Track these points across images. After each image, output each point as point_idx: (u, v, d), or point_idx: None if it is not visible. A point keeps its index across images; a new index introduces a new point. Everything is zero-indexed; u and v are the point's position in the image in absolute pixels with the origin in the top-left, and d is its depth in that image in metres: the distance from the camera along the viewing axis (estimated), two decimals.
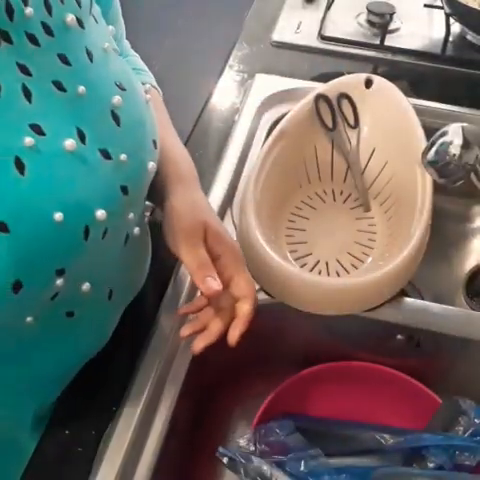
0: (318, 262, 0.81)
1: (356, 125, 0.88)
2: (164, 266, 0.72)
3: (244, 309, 0.59)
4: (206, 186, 0.80)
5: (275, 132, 0.84)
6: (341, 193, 0.90)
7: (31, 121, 0.44)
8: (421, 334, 0.70)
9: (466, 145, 0.60)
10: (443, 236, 0.98)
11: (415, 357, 0.71)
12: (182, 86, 0.92)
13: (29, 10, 0.45)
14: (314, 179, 0.90)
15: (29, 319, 0.48)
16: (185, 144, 0.86)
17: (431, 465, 0.63)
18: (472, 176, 0.62)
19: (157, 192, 0.62)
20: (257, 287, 0.71)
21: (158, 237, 0.63)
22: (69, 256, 0.47)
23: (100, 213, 0.48)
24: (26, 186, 0.43)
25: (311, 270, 0.80)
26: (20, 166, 0.42)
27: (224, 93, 0.96)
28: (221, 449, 0.64)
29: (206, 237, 0.59)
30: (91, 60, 0.50)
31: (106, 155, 0.49)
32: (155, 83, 0.73)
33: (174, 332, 0.66)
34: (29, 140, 0.43)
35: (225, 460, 0.63)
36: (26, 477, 0.57)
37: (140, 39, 0.86)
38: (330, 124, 0.87)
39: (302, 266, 0.80)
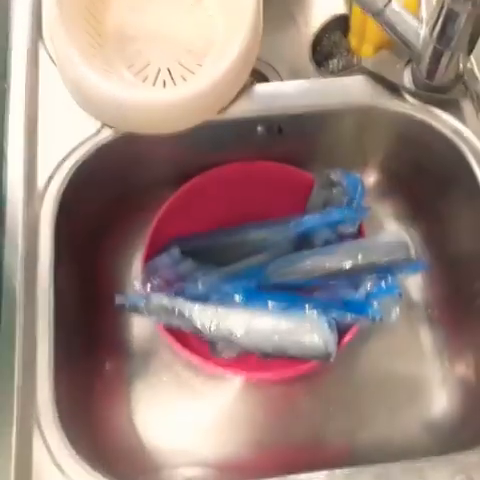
0: (159, 71, 0.74)
1: None
2: None
3: None
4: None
5: None
6: None
7: None
8: (279, 120, 0.67)
9: None
10: None
11: (281, 143, 0.69)
12: None
13: None
14: None
15: None
16: None
17: (318, 243, 0.65)
18: None
19: None
20: (98, 126, 0.65)
21: None
22: None
23: None
24: None
25: (154, 82, 0.73)
26: None
27: None
28: (118, 297, 0.63)
29: None
30: None
31: None
32: None
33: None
34: None
35: (125, 306, 0.63)
36: None
37: None
38: None
39: (144, 80, 0.73)
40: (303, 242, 0.66)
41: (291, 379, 0.65)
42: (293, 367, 0.59)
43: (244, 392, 0.67)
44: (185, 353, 0.59)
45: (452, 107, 0.65)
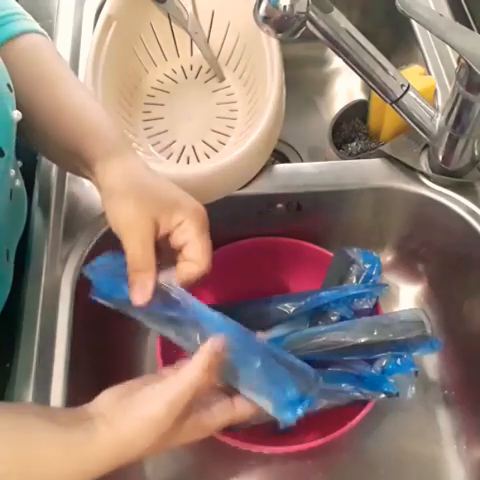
0: (184, 148, 0.77)
1: None
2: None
3: (187, 270, 0.50)
4: None
5: (101, 19, 0.76)
6: (191, 68, 0.85)
7: None
8: (298, 197, 0.69)
9: None
10: (306, 83, 0.97)
11: (299, 220, 0.71)
12: None
13: None
14: (159, 60, 0.84)
15: None
16: None
17: (334, 318, 0.65)
18: (308, 24, 0.58)
19: (74, 167, 0.54)
20: None
21: None
22: None
23: None
24: None
25: (179, 158, 0.76)
26: None
27: None
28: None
29: (161, 214, 0.49)
30: None
31: None
32: (37, 27, 0.58)
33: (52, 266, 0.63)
34: None
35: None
36: None
37: None
38: None
39: (169, 157, 0.76)
40: (319, 317, 0.66)
41: (305, 454, 0.63)
42: (306, 442, 0.58)
43: (256, 466, 0.65)
44: None
45: (468, 190, 0.67)
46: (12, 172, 0.54)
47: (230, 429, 0.60)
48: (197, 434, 0.47)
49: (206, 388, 0.46)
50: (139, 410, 0.44)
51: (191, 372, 0.45)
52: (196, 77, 0.84)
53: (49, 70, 0.56)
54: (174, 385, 0.45)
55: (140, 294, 0.48)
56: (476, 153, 0.65)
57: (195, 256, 0.50)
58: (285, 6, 0.56)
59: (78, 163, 0.53)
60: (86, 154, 0.52)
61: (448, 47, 0.76)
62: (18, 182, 0.58)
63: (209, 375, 0.45)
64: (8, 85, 0.51)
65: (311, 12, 0.57)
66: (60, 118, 0.54)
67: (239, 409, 0.48)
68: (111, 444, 0.44)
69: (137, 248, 0.48)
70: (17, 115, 0.51)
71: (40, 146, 0.59)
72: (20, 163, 0.61)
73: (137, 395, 0.45)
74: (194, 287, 0.51)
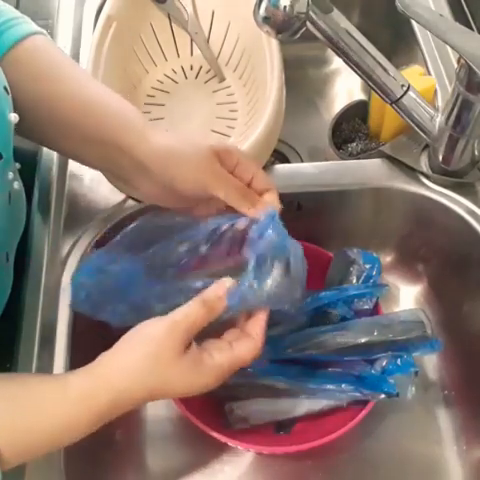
0: None
1: None
2: None
3: (270, 199, 0.55)
4: None
5: (101, 19, 0.76)
6: (191, 68, 0.85)
7: None
8: (298, 197, 0.69)
9: None
10: (306, 84, 0.97)
11: (299, 220, 0.71)
12: None
13: None
14: (159, 60, 0.84)
15: None
16: None
17: (334, 318, 0.65)
18: (308, 25, 0.58)
19: (108, 159, 0.55)
20: (123, 196, 0.68)
21: None
22: None
23: None
24: None
25: None
26: None
27: None
28: None
29: (219, 153, 0.53)
30: None
31: None
32: (36, 27, 0.58)
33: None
34: None
35: None
36: None
37: None
38: None
39: None
40: (320, 318, 0.66)
41: (305, 454, 0.63)
42: (306, 442, 0.58)
43: (256, 467, 0.65)
44: (198, 423, 0.58)
45: (468, 190, 0.67)
46: (10, 175, 0.55)
47: (228, 426, 0.61)
48: (195, 373, 0.47)
49: (203, 322, 0.47)
50: (140, 333, 0.47)
51: (188, 306, 0.47)
52: (196, 77, 0.84)
53: (64, 67, 0.57)
54: (172, 316, 0.47)
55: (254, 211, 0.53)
56: (476, 153, 0.65)
57: (267, 183, 0.55)
58: (285, 6, 0.56)
59: (114, 153, 0.54)
60: (122, 140, 0.53)
61: (448, 47, 0.76)
62: (17, 185, 0.58)
63: (206, 311, 0.47)
64: (5, 88, 0.51)
65: (311, 12, 0.57)
66: (90, 111, 0.54)
67: (237, 350, 0.48)
68: (112, 369, 0.46)
69: (222, 181, 0.52)
70: (14, 118, 0.51)
71: (62, 146, 0.59)
72: (18, 165, 0.61)
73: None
74: None
